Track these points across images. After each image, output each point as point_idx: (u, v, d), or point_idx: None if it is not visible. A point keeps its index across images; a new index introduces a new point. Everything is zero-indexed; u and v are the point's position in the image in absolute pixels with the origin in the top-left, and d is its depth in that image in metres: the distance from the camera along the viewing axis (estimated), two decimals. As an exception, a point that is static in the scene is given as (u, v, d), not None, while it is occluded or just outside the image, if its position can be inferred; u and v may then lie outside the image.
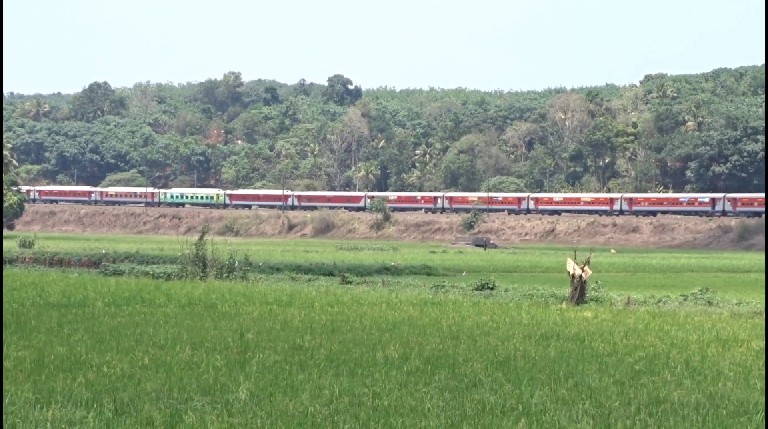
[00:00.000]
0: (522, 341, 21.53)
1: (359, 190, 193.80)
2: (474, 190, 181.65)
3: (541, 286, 43.35)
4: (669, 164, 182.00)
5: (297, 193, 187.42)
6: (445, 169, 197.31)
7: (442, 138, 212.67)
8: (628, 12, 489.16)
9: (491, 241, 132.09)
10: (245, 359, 17.94)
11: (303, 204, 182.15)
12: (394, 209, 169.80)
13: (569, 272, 35.13)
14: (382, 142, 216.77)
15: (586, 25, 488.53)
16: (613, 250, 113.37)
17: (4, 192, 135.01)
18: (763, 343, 21.98)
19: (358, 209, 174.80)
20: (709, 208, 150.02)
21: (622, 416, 13.46)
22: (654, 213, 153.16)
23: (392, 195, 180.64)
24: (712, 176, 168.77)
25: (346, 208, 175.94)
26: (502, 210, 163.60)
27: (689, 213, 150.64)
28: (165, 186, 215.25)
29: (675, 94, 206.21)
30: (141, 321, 24.67)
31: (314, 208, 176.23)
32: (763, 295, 40.86)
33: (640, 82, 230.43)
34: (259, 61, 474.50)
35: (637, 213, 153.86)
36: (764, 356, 19.82)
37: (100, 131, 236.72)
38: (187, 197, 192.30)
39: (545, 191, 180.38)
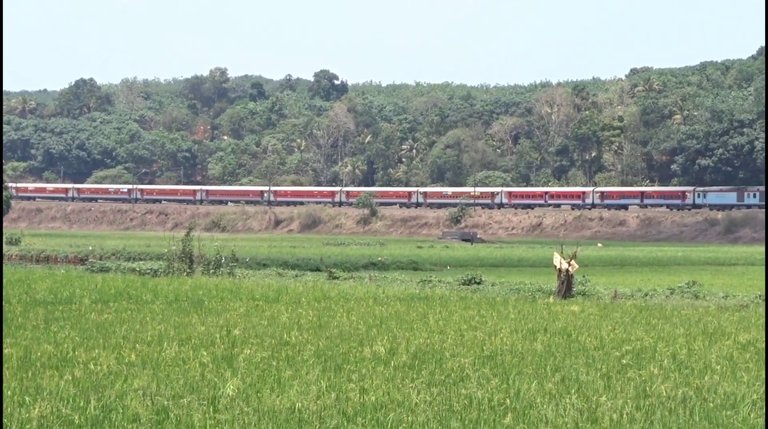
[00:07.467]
0: (509, 336, 21.52)
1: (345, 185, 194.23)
2: (461, 185, 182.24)
3: (528, 281, 43.39)
4: (655, 158, 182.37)
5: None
6: (431, 163, 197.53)
7: (428, 133, 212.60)
8: (614, 5, 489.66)
9: (478, 236, 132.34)
10: (232, 355, 17.91)
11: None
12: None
13: (556, 266, 35.15)
14: (368, 137, 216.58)
15: (572, 19, 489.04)
16: (599, 244, 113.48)
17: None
18: (749, 336, 22.02)
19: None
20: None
21: (609, 410, 13.46)
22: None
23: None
24: (698, 170, 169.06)
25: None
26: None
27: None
28: (151, 182, 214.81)
29: (661, 88, 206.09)
30: (128, 318, 24.61)
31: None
32: (750, 288, 40.99)
33: (626, 76, 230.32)
34: (245, 56, 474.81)
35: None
36: (754, 348, 19.85)
37: (86, 128, 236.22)
38: None
39: (531, 186, 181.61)
